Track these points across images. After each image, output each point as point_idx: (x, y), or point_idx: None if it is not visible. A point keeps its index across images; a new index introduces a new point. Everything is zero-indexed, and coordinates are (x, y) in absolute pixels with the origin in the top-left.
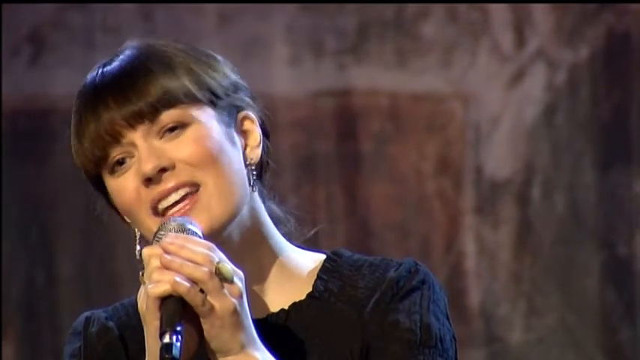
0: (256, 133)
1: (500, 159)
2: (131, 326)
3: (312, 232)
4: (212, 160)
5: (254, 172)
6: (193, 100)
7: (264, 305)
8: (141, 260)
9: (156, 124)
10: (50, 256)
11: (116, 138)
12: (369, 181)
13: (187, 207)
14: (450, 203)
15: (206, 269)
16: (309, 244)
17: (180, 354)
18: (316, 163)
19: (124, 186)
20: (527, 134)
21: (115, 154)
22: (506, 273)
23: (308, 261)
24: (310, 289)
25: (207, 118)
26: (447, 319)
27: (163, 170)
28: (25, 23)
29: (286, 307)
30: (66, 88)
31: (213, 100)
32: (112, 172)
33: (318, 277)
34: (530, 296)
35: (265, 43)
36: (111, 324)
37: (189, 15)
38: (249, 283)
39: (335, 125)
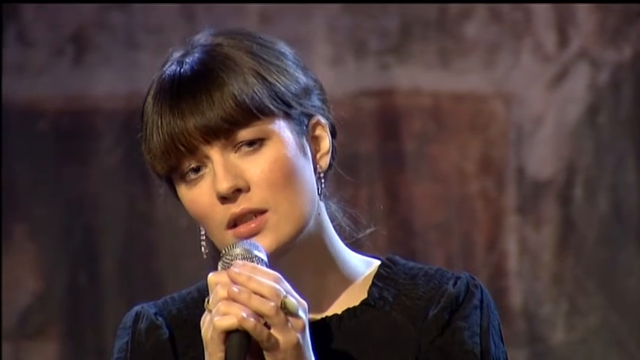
0: (326, 140)
1: (542, 159)
2: (181, 321)
3: (367, 234)
4: (286, 182)
5: (323, 180)
6: (269, 114)
7: (318, 308)
8: (207, 254)
9: (232, 140)
10: (93, 256)
11: (191, 150)
12: (411, 181)
13: (256, 227)
14: (492, 203)
15: (273, 303)
16: (355, 245)
17: None
18: (358, 163)
19: (198, 198)
20: (570, 134)
21: (189, 163)
22: (549, 273)
23: (362, 266)
24: (365, 296)
25: (282, 131)
26: (502, 340)
27: (238, 191)
28: (67, 24)
29: (339, 313)
30: (108, 89)
31: (287, 110)
32: (185, 179)
33: (373, 283)
34: (572, 296)
35: (307, 43)
36: (160, 320)
37: (230, 15)
38: (304, 284)
39: (377, 125)
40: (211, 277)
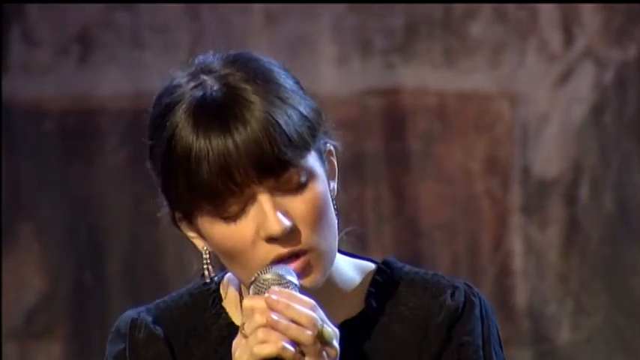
0: (335, 165)
1: (548, 158)
2: (177, 329)
3: (342, 234)
4: (323, 221)
5: (335, 203)
6: (309, 150)
7: None
8: (208, 276)
9: (282, 181)
10: (98, 256)
11: (243, 189)
12: (416, 181)
13: (304, 266)
14: (497, 203)
15: (310, 333)
16: (358, 244)
17: None
18: (364, 163)
19: (236, 235)
20: (575, 133)
21: (235, 206)
22: (554, 272)
23: (357, 271)
24: (362, 306)
25: (316, 167)
26: (501, 347)
27: (290, 232)
28: (73, 23)
29: (338, 325)
30: (113, 88)
31: (316, 145)
32: (222, 216)
33: (369, 292)
34: (577, 296)
35: (312, 43)
36: (158, 330)
37: (235, 14)
38: None
39: (382, 125)
40: (247, 302)
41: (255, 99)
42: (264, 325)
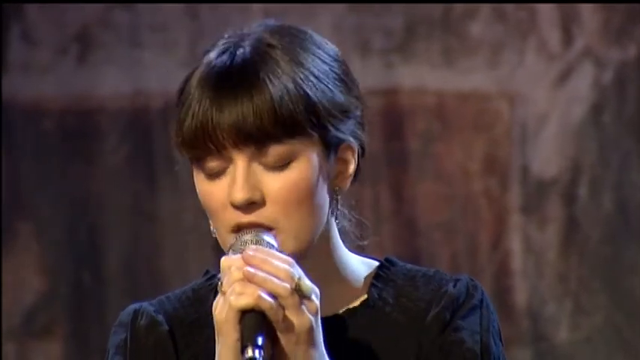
0: (352, 165)
1: (546, 158)
2: (178, 320)
3: (366, 242)
4: (300, 205)
5: (338, 199)
6: (304, 135)
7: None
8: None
9: (261, 152)
10: (98, 255)
11: (219, 149)
12: (415, 180)
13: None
14: (496, 202)
15: (287, 285)
16: (358, 247)
17: None
18: (363, 162)
19: (212, 195)
20: (574, 133)
21: (214, 163)
22: (553, 272)
23: (361, 267)
24: (364, 297)
25: (310, 154)
26: (501, 342)
27: (252, 203)
28: (72, 23)
29: (340, 313)
30: (113, 88)
31: (321, 133)
32: (204, 171)
33: (372, 284)
34: (577, 295)
35: None
36: (160, 317)
37: (235, 14)
38: None
39: (381, 124)
40: (224, 260)
41: (263, 69)
42: (242, 279)
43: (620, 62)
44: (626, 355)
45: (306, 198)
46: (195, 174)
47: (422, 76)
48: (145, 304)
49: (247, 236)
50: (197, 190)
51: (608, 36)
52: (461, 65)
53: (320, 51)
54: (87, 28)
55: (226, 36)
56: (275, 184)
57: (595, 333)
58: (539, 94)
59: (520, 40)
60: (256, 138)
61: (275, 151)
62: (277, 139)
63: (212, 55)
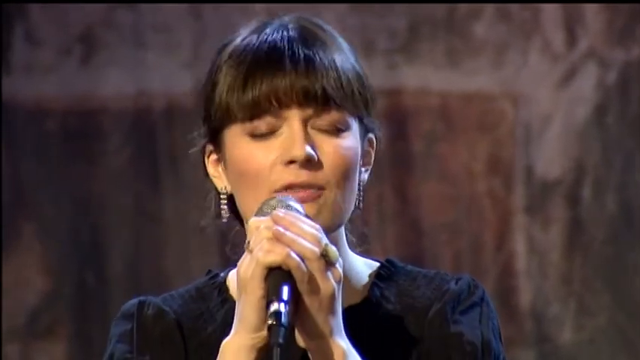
0: (372, 158)
1: (550, 159)
2: (185, 314)
3: (365, 247)
4: (349, 174)
5: (362, 194)
6: (356, 110)
7: None
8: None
9: (318, 116)
10: (100, 255)
11: (280, 108)
12: (419, 181)
13: (316, 197)
14: (500, 203)
15: (315, 248)
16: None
17: (288, 323)
18: None
19: (258, 154)
20: (578, 134)
21: (266, 123)
22: (557, 273)
23: (363, 267)
24: (366, 294)
25: (357, 131)
26: (501, 341)
27: (308, 162)
28: (75, 23)
29: (342, 309)
30: (116, 88)
31: (363, 117)
32: (253, 133)
33: (374, 283)
34: (580, 296)
35: None
36: (167, 308)
37: (237, 14)
38: None
39: (385, 125)
40: (252, 221)
41: (320, 44)
42: (270, 238)
43: (623, 63)
44: (629, 355)
45: (353, 169)
46: (233, 139)
47: (426, 77)
48: (149, 297)
49: (273, 201)
50: (231, 156)
51: (612, 37)
52: (465, 66)
53: (346, 46)
54: (90, 29)
55: (254, 23)
56: (330, 148)
57: (599, 333)
58: (543, 95)
59: (524, 40)
60: (319, 99)
61: (331, 116)
62: (337, 105)
63: (252, 34)
